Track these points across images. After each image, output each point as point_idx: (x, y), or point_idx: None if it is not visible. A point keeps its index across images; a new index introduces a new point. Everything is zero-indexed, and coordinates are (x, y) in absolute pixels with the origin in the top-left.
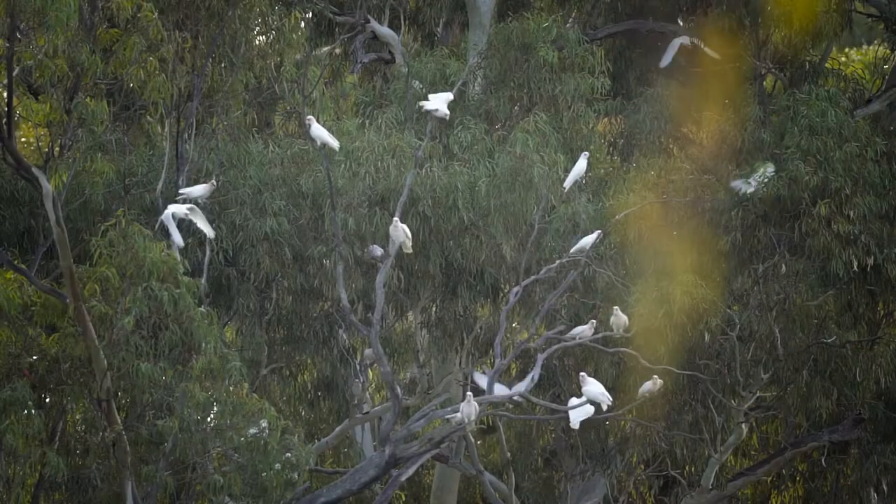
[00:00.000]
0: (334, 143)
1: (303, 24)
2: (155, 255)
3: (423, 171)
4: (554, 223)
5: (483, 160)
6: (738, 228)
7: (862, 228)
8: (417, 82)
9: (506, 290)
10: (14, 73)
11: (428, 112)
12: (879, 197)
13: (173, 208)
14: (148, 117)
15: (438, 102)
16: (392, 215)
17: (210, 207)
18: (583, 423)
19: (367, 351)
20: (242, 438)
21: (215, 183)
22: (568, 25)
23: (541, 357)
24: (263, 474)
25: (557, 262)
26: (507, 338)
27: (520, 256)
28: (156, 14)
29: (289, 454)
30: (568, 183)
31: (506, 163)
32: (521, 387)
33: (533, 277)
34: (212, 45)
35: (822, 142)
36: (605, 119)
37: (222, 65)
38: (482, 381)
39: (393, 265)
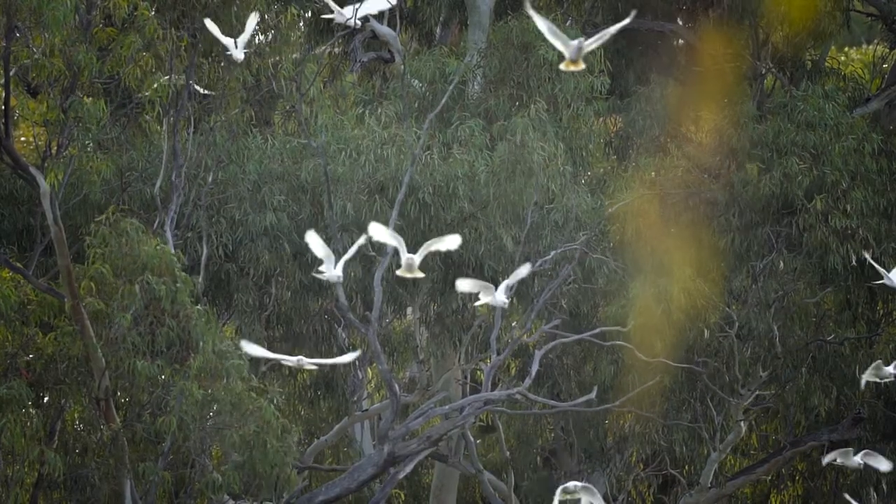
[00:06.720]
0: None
1: (301, 22)
2: (149, 248)
3: (424, 158)
4: (552, 215)
5: (482, 152)
6: (736, 227)
7: (859, 223)
8: (417, 81)
9: None
10: (11, 72)
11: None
12: (877, 193)
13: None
14: (145, 115)
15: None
16: (391, 204)
17: (209, 203)
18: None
19: None
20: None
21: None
22: (567, 24)
23: (538, 354)
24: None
25: (553, 253)
26: (504, 333)
27: (519, 249)
28: (152, 12)
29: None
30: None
31: (505, 151)
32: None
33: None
34: (209, 44)
35: (819, 137)
36: (603, 119)
37: (221, 64)
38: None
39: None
